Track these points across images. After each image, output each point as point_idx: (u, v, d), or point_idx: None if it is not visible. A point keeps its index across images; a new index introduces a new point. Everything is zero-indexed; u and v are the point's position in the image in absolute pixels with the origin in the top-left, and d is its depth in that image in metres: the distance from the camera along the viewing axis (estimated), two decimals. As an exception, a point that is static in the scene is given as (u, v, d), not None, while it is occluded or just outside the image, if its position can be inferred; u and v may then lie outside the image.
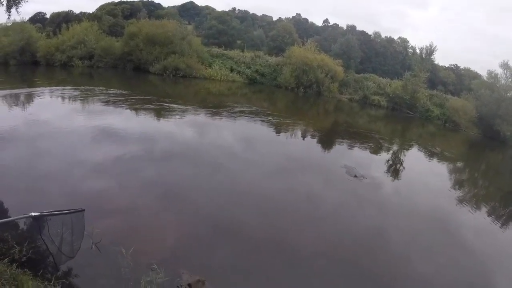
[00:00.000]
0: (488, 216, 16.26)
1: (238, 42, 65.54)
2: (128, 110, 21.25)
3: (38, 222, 5.98)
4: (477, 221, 15.31)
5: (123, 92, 26.04)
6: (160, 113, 21.80)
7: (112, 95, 24.45)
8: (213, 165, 14.62)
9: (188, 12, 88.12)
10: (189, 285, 7.18)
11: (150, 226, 9.24)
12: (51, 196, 9.53)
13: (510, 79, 43.28)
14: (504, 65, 43.20)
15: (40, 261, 6.65)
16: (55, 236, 6.22)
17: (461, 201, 17.37)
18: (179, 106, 24.45)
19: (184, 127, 19.87)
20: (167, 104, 24.38)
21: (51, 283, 6.04)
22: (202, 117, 23.45)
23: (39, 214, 5.88)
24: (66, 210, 6.34)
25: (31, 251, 6.54)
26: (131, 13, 60.97)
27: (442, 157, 26.17)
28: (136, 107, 22.20)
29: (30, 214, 5.84)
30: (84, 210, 6.64)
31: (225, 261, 8.48)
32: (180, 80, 37.69)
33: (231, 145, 18.17)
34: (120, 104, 22.19)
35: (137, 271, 6.84)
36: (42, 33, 42.08)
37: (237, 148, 17.85)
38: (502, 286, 10.32)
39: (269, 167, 15.71)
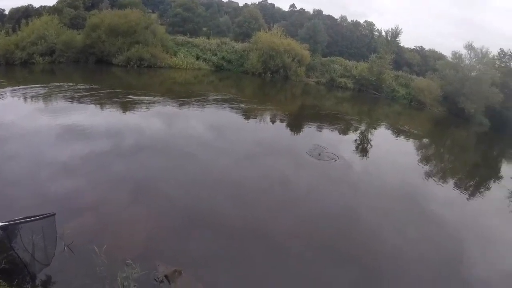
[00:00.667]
0: (455, 189, 17.04)
1: (204, 29, 64.63)
2: (93, 106, 20.47)
3: (6, 232, 5.77)
4: (445, 195, 15.99)
5: (86, 87, 24.99)
6: (125, 106, 21.24)
7: (75, 90, 23.42)
8: (183, 155, 14.52)
9: (151, 0, 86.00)
10: (166, 276, 7.24)
11: (122, 222, 9.15)
12: (17, 200, 9.16)
13: (474, 59, 45.05)
14: (469, 46, 45.13)
15: (15, 270, 6.42)
16: (28, 244, 6.03)
17: (429, 176, 18.08)
18: (145, 98, 23.80)
19: (152, 119, 19.44)
20: (132, 96, 23.73)
21: None
22: (169, 108, 23.02)
23: (6, 223, 5.70)
24: (35, 216, 6.15)
25: (4, 261, 6.25)
26: (92, 3, 58.63)
27: (409, 135, 26.99)
28: (100, 101, 21.50)
29: None
30: (54, 214, 6.49)
31: (200, 251, 8.53)
32: (145, 70, 36.68)
33: (200, 134, 17.96)
34: (84, 99, 21.33)
35: (112, 268, 6.81)
36: (1, 30, 39.99)
37: (207, 137, 17.68)
38: (471, 255, 10.85)
39: (240, 155, 15.78)
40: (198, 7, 66.58)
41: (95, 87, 25.19)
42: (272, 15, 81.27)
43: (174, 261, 7.73)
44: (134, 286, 6.47)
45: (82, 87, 24.73)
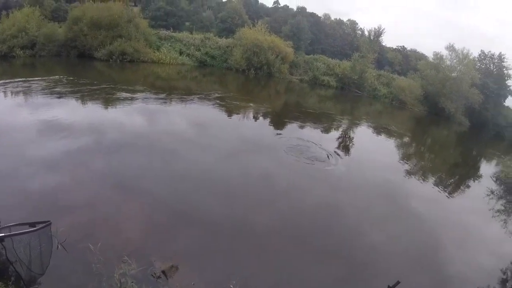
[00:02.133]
0: (435, 187, 17.50)
1: (187, 24, 63.92)
2: (74, 101, 19.92)
3: (3, 244, 5.68)
4: (425, 192, 16.46)
5: (68, 81, 24.57)
6: (108, 102, 20.86)
7: (56, 85, 22.95)
8: (168, 152, 14.46)
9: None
10: (163, 272, 7.33)
11: (113, 219, 9.12)
12: (4, 199, 8.88)
13: (455, 60, 46.45)
14: (450, 47, 46.60)
15: (7, 270, 6.26)
16: (24, 256, 5.90)
17: (409, 174, 18.58)
18: (127, 94, 23.33)
19: (134, 115, 19.05)
20: (114, 91, 23.42)
21: None
22: (151, 104, 22.42)
23: (2, 235, 5.64)
24: (31, 224, 6.08)
25: (-5, 260, 6.11)
26: (74, -4, 57.47)
27: (390, 133, 27.59)
28: (82, 96, 20.96)
29: None
30: (50, 223, 6.39)
31: (189, 245, 8.71)
32: (127, 65, 36.28)
33: (183, 131, 17.88)
34: (66, 94, 20.92)
35: (108, 265, 6.80)
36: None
37: (190, 134, 17.61)
38: (449, 250, 11.31)
39: (223, 152, 15.73)
40: (182, 1, 65.90)
41: (77, 81, 24.80)
42: (255, 11, 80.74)
43: (167, 257, 7.81)
44: (132, 282, 6.48)
45: (64, 80, 24.30)
